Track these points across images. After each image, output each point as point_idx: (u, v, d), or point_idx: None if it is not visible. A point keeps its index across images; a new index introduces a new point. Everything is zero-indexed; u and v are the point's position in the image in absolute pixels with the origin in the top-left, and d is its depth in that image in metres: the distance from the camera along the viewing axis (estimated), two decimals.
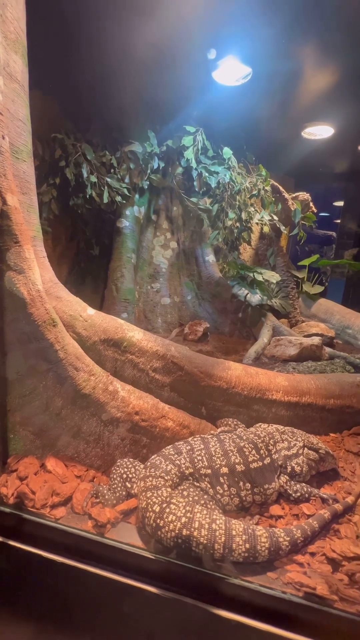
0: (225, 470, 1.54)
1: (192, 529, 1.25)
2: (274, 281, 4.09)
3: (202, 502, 1.44)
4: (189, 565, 1.26)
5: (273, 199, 4.17)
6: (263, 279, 4.04)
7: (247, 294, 3.97)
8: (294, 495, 1.58)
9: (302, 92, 3.14)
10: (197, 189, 3.86)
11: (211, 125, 3.74)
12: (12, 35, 1.59)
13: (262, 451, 1.64)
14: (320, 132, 3.79)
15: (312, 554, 1.32)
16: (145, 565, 1.30)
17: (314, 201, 4.78)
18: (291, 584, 1.20)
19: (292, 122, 3.74)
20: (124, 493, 1.54)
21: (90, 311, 1.93)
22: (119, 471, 1.59)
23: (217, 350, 3.50)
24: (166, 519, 1.28)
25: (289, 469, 1.65)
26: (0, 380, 1.65)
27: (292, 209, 4.37)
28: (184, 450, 1.57)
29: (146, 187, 3.86)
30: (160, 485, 1.42)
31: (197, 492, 1.47)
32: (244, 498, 1.53)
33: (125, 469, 1.59)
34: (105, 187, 3.49)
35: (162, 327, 4.15)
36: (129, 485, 1.55)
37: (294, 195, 4.63)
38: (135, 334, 1.96)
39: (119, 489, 1.54)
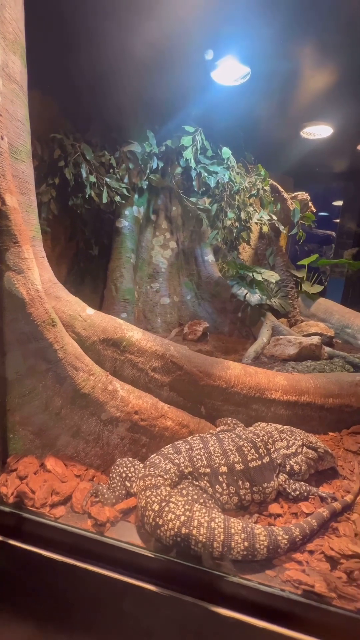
0: (224, 469, 1.55)
1: (191, 528, 1.25)
2: (273, 281, 4.10)
3: (201, 500, 1.44)
4: (188, 563, 1.27)
5: (272, 198, 4.17)
6: (262, 278, 4.04)
7: (247, 293, 3.97)
8: (292, 494, 1.59)
9: (301, 92, 3.15)
10: (196, 189, 3.86)
11: (210, 125, 3.74)
12: (10, 36, 1.60)
13: (261, 450, 1.65)
14: (319, 131, 3.79)
15: (311, 552, 1.32)
16: (145, 564, 1.31)
17: (313, 201, 4.78)
18: (290, 582, 1.21)
19: (291, 122, 3.74)
20: (123, 492, 1.55)
21: (90, 311, 1.93)
22: (118, 470, 1.60)
23: (216, 350, 3.50)
24: (165, 518, 1.29)
25: (288, 467, 1.65)
26: (0, 380, 1.66)
27: (291, 208, 4.37)
28: (183, 450, 1.58)
29: (145, 187, 3.87)
30: (159, 484, 1.42)
31: (196, 491, 1.48)
32: (242, 497, 1.53)
33: (125, 468, 1.60)
34: (105, 187, 3.49)
35: (162, 327, 4.15)
36: (128, 484, 1.56)
37: (293, 194, 4.63)
38: (135, 334, 1.96)
39: (118, 488, 1.55)
